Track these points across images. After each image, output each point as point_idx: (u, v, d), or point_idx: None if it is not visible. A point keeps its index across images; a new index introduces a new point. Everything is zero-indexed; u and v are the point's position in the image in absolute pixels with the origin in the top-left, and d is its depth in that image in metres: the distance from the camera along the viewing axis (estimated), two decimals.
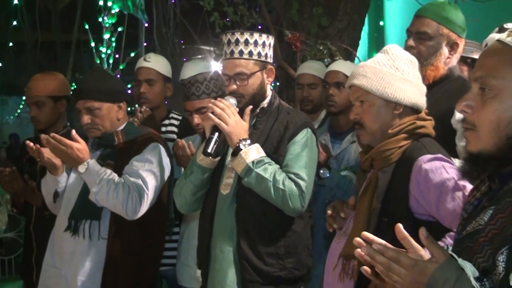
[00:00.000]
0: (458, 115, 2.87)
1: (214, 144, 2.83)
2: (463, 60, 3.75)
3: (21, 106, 15.33)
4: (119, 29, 6.83)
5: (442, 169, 2.39)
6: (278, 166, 2.88)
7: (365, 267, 1.67)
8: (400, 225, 1.62)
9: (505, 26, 3.10)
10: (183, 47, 8.12)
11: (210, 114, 2.83)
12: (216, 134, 2.84)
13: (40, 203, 3.82)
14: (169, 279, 3.99)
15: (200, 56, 8.20)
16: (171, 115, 4.16)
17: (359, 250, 1.63)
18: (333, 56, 5.56)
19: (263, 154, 2.86)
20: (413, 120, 2.53)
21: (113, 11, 6.62)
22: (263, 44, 2.99)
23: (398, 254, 1.56)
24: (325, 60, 5.52)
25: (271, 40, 3.04)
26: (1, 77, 11.72)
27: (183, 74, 4.14)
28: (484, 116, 1.60)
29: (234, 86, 2.96)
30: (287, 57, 6.15)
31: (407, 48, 2.98)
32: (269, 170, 2.82)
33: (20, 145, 4.74)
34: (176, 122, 4.12)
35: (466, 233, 1.66)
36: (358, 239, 1.66)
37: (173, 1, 7.33)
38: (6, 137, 14.49)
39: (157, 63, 4.11)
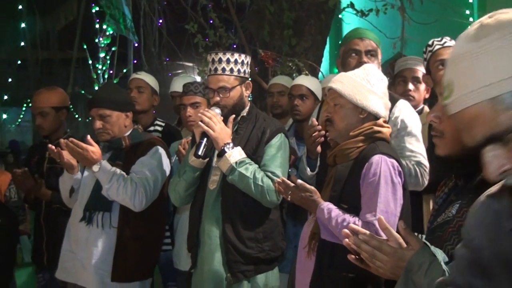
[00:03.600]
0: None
1: (204, 147, 2.94)
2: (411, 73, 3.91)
3: (21, 116, 15.21)
4: (113, 48, 6.94)
5: (384, 162, 2.52)
6: (257, 165, 2.99)
7: (351, 255, 1.71)
8: (382, 218, 1.68)
9: (428, 43, 3.29)
10: (165, 63, 8.23)
11: (200, 123, 2.93)
12: (205, 139, 2.94)
13: (49, 198, 3.93)
14: (160, 264, 4.05)
15: (181, 71, 8.36)
16: (156, 122, 4.36)
17: (346, 240, 1.68)
18: (301, 71, 5.64)
19: (244, 155, 2.97)
20: (371, 126, 2.65)
21: (108, 33, 6.74)
22: (242, 62, 3.08)
23: (380, 243, 1.61)
24: (294, 75, 5.66)
25: (248, 59, 3.14)
26: (4, 90, 11.66)
27: (174, 86, 4.35)
28: (451, 125, 1.62)
29: (218, 98, 3.06)
30: (260, 72, 6.20)
31: (358, 64, 3.07)
32: (250, 169, 2.93)
33: (28, 150, 4.84)
34: (160, 128, 4.32)
35: (437, 223, 1.70)
36: (346, 230, 1.70)
37: (159, 24, 7.45)
38: (7, 144, 14.41)
39: (146, 76, 4.39)
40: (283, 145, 3.09)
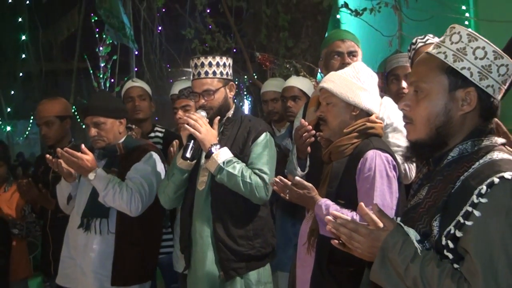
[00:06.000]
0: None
1: (191, 150, 3.01)
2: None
3: (28, 128, 15.32)
4: (114, 57, 6.99)
5: (378, 157, 2.58)
6: (244, 164, 3.05)
7: (334, 240, 1.81)
8: (362, 204, 1.76)
9: (412, 41, 3.34)
10: (169, 70, 8.28)
11: (186, 125, 3.00)
12: (192, 141, 3.02)
13: (54, 207, 3.97)
14: (161, 266, 4.11)
15: (184, 78, 8.41)
16: (156, 128, 4.41)
17: (329, 226, 1.78)
18: (298, 72, 5.66)
19: (231, 155, 3.04)
20: (364, 122, 2.71)
21: (107, 42, 6.80)
22: (224, 64, 3.16)
23: (356, 226, 1.73)
24: (292, 76, 5.70)
25: (230, 61, 3.21)
26: (11, 103, 11.76)
27: (173, 90, 4.45)
28: (418, 112, 1.77)
29: (203, 101, 3.13)
30: (259, 74, 6.27)
31: (341, 65, 3.16)
32: (237, 168, 3.00)
33: (35, 161, 4.93)
34: (160, 134, 4.37)
35: (410, 206, 1.83)
36: (328, 217, 1.80)
37: (158, 31, 7.53)
38: (15, 157, 14.54)
39: (142, 84, 4.47)
40: (269, 144, 3.15)
